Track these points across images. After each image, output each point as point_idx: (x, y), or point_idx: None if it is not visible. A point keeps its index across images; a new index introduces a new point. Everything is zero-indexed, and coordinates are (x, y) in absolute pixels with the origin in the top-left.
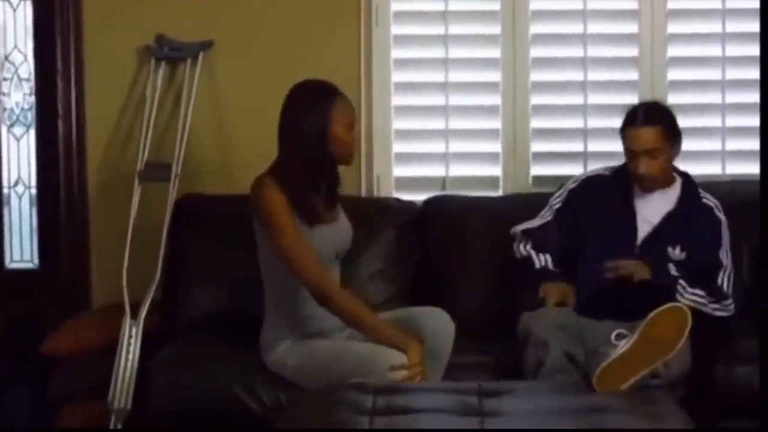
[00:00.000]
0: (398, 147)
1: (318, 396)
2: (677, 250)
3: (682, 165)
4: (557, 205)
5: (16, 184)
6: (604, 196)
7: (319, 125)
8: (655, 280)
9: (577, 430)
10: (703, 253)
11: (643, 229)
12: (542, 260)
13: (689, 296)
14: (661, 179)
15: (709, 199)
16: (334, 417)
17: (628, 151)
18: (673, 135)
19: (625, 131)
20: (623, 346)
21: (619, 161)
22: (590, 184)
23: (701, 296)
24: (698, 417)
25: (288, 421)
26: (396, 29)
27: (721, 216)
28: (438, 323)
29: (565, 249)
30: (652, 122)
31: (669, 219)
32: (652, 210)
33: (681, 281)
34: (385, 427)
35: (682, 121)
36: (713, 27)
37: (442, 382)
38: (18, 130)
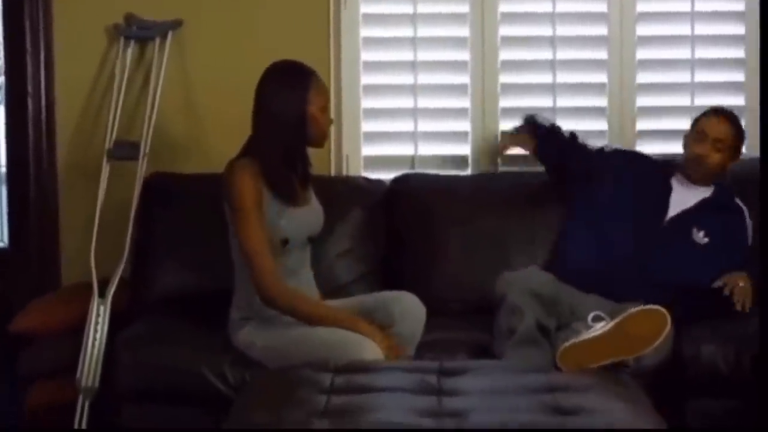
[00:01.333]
0: (367, 126)
1: (278, 374)
2: (701, 234)
3: (653, 144)
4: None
5: None
6: (646, 170)
7: (297, 106)
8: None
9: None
10: (726, 245)
11: (675, 209)
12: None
13: None
14: (709, 173)
15: (741, 203)
16: (291, 395)
17: (700, 134)
18: (737, 148)
19: (705, 117)
20: (597, 329)
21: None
22: (638, 156)
23: None
24: (664, 396)
25: (246, 399)
26: (365, 8)
27: (749, 221)
28: (408, 308)
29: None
30: (733, 123)
31: (702, 204)
32: (687, 195)
33: None
34: (341, 405)
35: (652, 100)
36: (683, 6)
37: (403, 361)
38: None
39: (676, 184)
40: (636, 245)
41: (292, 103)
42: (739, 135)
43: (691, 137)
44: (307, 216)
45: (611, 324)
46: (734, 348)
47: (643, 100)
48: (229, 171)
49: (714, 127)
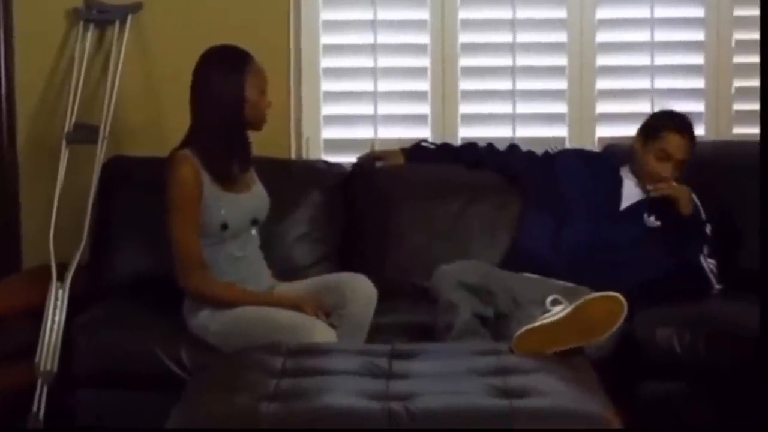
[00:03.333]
0: (327, 109)
1: (230, 357)
2: (652, 218)
3: (612, 128)
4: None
5: None
6: (594, 165)
7: (235, 90)
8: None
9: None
10: (681, 229)
11: (627, 200)
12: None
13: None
14: None
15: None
16: (242, 378)
17: (662, 152)
18: None
19: (668, 133)
20: (554, 314)
21: (547, 123)
22: (581, 153)
23: (715, 265)
24: (618, 378)
25: (197, 382)
26: None
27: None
28: (359, 289)
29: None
30: (692, 137)
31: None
32: (638, 187)
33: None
34: (290, 388)
35: (611, 83)
36: None
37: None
38: None
39: (625, 176)
40: (590, 234)
41: (229, 88)
42: (694, 145)
43: (651, 152)
44: (249, 200)
45: (570, 308)
46: (689, 330)
47: (602, 83)
48: (172, 163)
49: (679, 148)
